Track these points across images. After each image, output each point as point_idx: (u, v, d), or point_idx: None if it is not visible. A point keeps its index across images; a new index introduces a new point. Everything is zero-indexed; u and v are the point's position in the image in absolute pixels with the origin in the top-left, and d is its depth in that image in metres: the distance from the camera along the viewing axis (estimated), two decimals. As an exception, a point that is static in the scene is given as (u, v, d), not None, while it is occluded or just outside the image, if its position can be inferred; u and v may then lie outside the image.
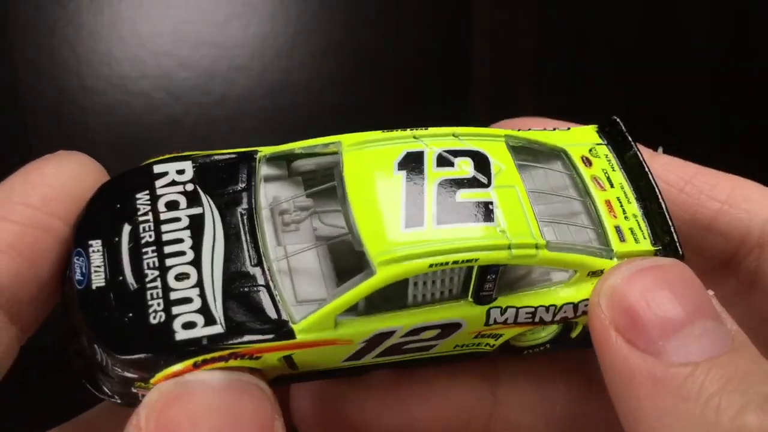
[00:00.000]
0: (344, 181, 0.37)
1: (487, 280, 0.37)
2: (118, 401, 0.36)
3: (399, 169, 0.38)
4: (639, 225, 0.40)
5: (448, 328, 0.38)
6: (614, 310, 0.35)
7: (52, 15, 0.76)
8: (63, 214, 0.37)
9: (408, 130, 0.39)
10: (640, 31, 0.89)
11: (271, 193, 0.40)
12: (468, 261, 0.35)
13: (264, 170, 0.40)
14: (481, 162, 0.38)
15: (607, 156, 0.42)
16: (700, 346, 0.33)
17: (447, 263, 0.35)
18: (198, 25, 0.80)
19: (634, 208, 0.40)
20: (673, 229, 0.39)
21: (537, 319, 0.39)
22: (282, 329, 0.35)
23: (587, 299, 0.37)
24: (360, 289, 0.35)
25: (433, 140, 0.39)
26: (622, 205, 0.40)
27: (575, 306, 0.38)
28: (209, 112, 0.81)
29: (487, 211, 0.37)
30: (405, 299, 0.37)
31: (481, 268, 0.36)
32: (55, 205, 0.37)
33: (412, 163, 0.38)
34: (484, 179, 0.38)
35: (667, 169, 0.44)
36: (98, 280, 0.36)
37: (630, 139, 0.42)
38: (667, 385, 0.32)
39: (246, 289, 0.36)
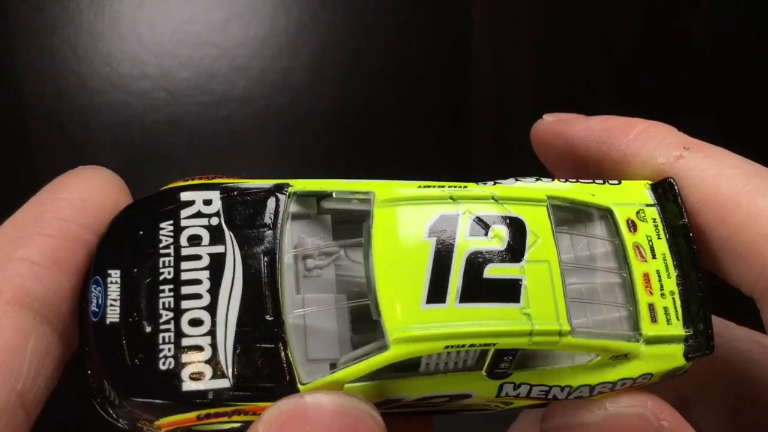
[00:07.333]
0: (372, 240, 0.36)
1: (503, 360, 0.36)
2: (127, 427, 0.36)
3: (429, 235, 0.36)
4: (675, 304, 0.38)
5: (458, 397, 0.37)
6: None
7: (52, 15, 0.76)
8: (95, 227, 0.36)
9: (447, 187, 0.38)
10: (640, 33, 0.89)
11: (297, 233, 0.39)
12: (485, 345, 0.35)
13: (293, 207, 0.39)
14: (517, 231, 0.37)
15: (654, 220, 0.40)
16: None
17: (464, 346, 0.34)
18: (198, 25, 0.80)
19: (672, 283, 0.38)
20: (707, 313, 0.37)
21: (550, 396, 0.38)
22: (288, 392, 0.35)
23: (606, 382, 0.37)
24: (371, 362, 0.34)
25: (470, 204, 0.37)
26: (660, 280, 0.38)
27: (591, 388, 0.37)
28: (209, 112, 0.81)
29: (513, 291, 0.36)
30: (417, 368, 0.36)
31: (497, 351, 0.35)
32: (87, 218, 0.36)
33: (445, 228, 0.36)
34: (517, 252, 0.37)
35: None
36: (113, 315, 0.35)
37: (683, 207, 0.39)
38: None
39: (258, 342, 0.36)
